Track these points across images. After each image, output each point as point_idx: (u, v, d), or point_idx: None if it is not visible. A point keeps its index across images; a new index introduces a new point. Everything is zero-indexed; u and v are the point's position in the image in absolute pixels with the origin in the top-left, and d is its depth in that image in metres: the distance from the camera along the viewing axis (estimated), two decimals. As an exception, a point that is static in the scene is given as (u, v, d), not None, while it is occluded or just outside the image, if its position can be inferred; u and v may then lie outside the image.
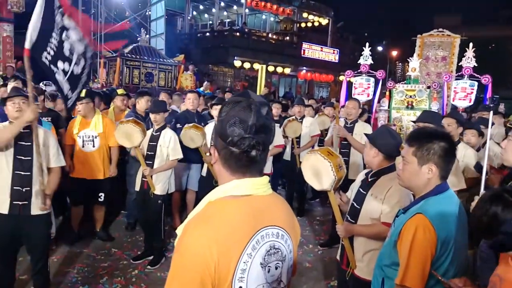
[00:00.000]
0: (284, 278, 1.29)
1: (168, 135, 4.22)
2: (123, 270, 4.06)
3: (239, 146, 1.17)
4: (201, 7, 25.58)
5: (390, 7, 36.37)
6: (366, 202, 2.57)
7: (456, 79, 7.67)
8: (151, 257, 4.26)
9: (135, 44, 12.79)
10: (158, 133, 4.22)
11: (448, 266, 1.75)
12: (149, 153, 4.19)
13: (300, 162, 5.14)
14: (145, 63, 12.32)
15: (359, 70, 7.63)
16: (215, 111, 4.80)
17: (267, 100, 5.32)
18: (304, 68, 24.47)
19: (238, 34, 21.89)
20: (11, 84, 4.69)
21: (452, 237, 1.74)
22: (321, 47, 24.80)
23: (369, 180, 2.61)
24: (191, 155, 4.75)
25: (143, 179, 4.19)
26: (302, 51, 23.54)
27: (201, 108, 6.26)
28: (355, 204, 2.64)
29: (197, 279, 1.09)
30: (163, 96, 6.06)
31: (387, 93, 6.71)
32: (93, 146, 4.49)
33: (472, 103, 7.57)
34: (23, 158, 3.00)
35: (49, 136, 3.23)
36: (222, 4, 24.74)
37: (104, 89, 8.67)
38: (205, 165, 4.74)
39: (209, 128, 4.70)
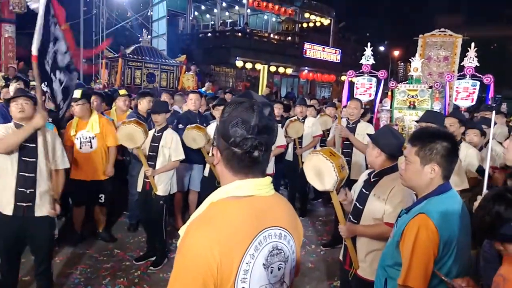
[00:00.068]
0: (287, 278, 1.29)
1: (170, 135, 4.22)
2: (126, 271, 4.06)
3: (242, 146, 1.16)
4: (203, 7, 25.61)
5: (392, 7, 36.32)
6: (368, 202, 2.56)
7: (458, 79, 7.64)
8: (153, 258, 4.26)
9: (137, 45, 12.78)
10: (160, 133, 4.22)
11: (451, 266, 1.75)
12: (151, 153, 4.20)
13: (302, 163, 5.13)
14: (147, 64, 12.30)
15: (361, 70, 7.60)
16: (217, 111, 4.79)
17: (269, 100, 5.32)
18: (306, 68, 24.45)
19: (240, 34, 21.89)
20: (13, 85, 4.69)
21: (455, 237, 1.74)
22: (323, 47, 24.75)
23: (372, 180, 2.61)
24: (193, 156, 4.74)
25: (145, 179, 4.20)
26: (304, 51, 23.51)
27: (203, 109, 6.27)
28: (357, 205, 2.64)
29: (199, 280, 1.09)
30: (165, 97, 6.09)
31: (389, 93, 6.70)
32: (91, 147, 4.45)
33: (474, 103, 7.54)
34: (27, 159, 3.01)
35: (55, 138, 3.25)
36: (224, 4, 24.76)
37: (106, 90, 8.67)
38: (207, 166, 4.73)
39: (211, 128, 4.71)
